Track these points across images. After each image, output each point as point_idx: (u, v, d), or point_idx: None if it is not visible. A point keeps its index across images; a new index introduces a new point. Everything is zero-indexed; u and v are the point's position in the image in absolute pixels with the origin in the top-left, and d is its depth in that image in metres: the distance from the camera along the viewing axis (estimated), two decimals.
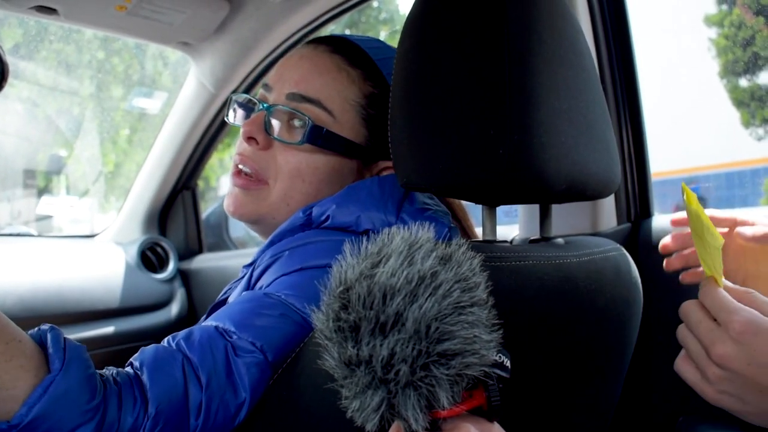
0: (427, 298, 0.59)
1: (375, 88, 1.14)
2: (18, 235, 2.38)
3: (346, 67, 1.13)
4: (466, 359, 0.59)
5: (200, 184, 2.66)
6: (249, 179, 1.12)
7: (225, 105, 2.19)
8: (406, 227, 0.67)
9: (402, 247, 0.63)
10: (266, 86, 1.15)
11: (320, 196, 1.10)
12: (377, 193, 1.05)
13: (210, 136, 2.33)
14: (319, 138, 1.09)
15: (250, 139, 1.11)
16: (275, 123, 1.11)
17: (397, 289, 0.60)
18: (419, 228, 0.67)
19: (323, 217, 1.03)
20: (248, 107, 1.19)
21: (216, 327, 0.89)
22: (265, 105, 1.12)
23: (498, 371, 0.63)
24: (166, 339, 0.89)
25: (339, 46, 1.15)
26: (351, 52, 1.15)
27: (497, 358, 0.63)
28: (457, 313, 0.60)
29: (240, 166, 1.13)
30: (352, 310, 0.61)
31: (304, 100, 1.10)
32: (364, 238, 0.67)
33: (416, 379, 0.59)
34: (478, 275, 0.64)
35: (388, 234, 0.66)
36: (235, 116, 1.21)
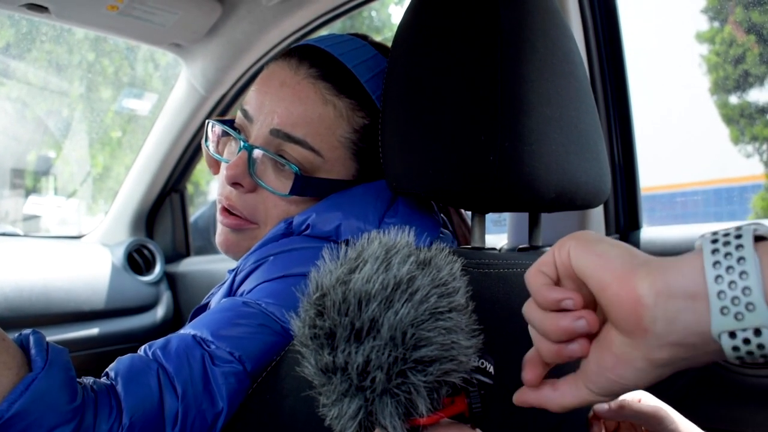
0: (403, 304, 0.59)
1: (366, 117, 1.07)
2: (4, 234, 2.36)
3: (332, 99, 1.04)
4: (444, 366, 0.59)
5: (190, 188, 2.65)
6: (239, 219, 1.08)
7: (215, 107, 2.20)
8: (386, 231, 0.67)
9: (379, 252, 0.63)
10: (246, 113, 1.08)
11: None
12: (359, 203, 1.02)
13: (200, 138, 2.32)
14: (308, 188, 1.04)
15: (235, 184, 1.05)
16: (260, 166, 1.05)
17: (372, 295, 0.59)
18: (399, 232, 0.66)
19: (303, 226, 1.01)
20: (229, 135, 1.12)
21: (194, 336, 0.88)
22: (246, 144, 1.05)
23: (480, 377, 0.62)
24: (143, 348, 0.88)
25: (321, 67, 1.06)
26: (336, 76, 1.06)
27: (479, 363, 0.63)
28: (434, 319, 0.59)
29: (228, 209, 1.09)
30: (327, 317, 0.60)
31: (290, 139, 1.03)
32: (344, 244, 0.66)
33: (393, 387, 0.58)
34: (458, 280, 0.63)
35: (367, 238, 0.66)
36: (216, 146, 1.15)
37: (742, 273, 0.48)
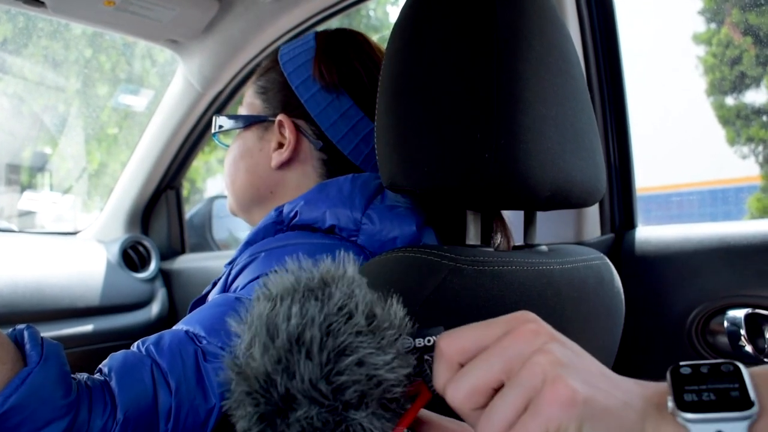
0: (303, 364, 0.54)
1: (271, 63, 1.21)
2: None
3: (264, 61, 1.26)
4: (375, 392, 0.55)
5: (186, 185, 2.64)
6: None
7: (212, 104, 2.19)
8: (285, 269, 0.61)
9: (258, 326, 0.57)
10: None
11: (249, 174, 1.19)
12: (347, 190, 1.03)
13: (196, 135, 2.32)
14: (222, 123, 1.23)
15: None
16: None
17: (269, 373, 0.55)
18: (278, 276, 0.60)
19: (292, 214, 1.03)
20: None
21: (186, 331, 0.88)
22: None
23: (430, 355, 0.59)
24: (135, 344, 0.88)
25: None
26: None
27: (426, 342, 0.60)
28: (341, 359, 0.55)
29: None
30: (251, 409, 0.56)
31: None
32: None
33: None
34: (354, 297, 0.58)
35: (257, 297, 0.60)
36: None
37: None
